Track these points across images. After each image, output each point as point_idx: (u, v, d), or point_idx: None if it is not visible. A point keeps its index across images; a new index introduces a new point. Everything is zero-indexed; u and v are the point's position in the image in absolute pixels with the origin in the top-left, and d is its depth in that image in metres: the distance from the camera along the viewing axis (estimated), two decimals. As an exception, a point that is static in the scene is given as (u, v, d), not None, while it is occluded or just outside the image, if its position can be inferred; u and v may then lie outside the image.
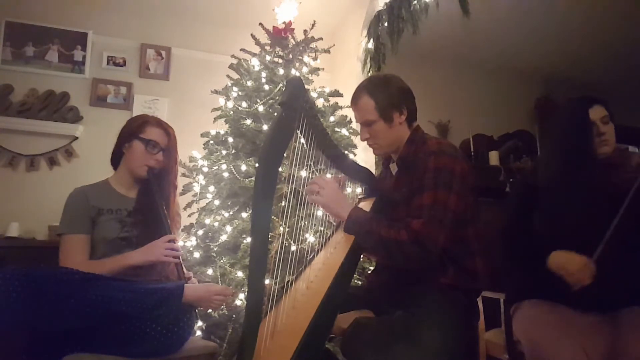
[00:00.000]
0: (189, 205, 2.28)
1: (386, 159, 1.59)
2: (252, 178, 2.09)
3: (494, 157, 4.03)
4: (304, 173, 1.87)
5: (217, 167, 2.27)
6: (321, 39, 2.62)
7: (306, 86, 2.42)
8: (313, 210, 1.74)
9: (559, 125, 1.56)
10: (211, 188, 2.28)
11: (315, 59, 2.64)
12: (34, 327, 1.14)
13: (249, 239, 1.97)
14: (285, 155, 1.08)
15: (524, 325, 1.40)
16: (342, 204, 1.31)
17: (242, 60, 2.56)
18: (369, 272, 1.82)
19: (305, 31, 2.60)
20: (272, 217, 1.91)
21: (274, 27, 2.60)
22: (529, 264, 1.47)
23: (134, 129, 1.60)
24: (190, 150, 2.40)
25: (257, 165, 1.04)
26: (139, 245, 1.48)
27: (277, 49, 2.57)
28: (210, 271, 1.97)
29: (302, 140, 1.25)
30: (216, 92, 2.47)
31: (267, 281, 1.27)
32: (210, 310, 1.80)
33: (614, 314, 1.31)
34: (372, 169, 2.08)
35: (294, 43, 2.59)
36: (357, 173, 1.52)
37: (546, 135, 1.68)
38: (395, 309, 1.25)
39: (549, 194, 1.46)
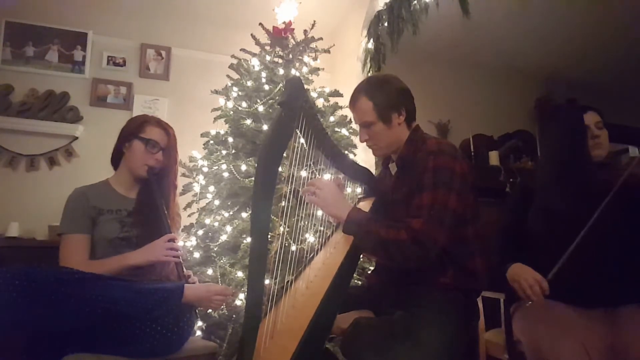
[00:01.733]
0: (189, 205, 2.28)
1: (386, 159, 1.59)
2: (252, 178, 2.09)
3: (494, 157, 4.02)
4: (303, 173, 1.87)
5: (217, 167, 2.27)
6: (321, 39, 2.62)
7: (306, 86, 2.42)
8: (313, 210, 1.74)
9: (555, 128, 1.59)
10: (211, 188, 2.28)
11: (315, 59, 2.64)
12: (34, 327, 1.14)
13: (249, 239, 1.97)
14: (285, 155, 1.08)
15: (523, 324, 1.41)
16: (340, 205, 1.30)
17: (242, 60, 2.56)
18: (369, 272, 1.82)
19: (305, 31, 2.60)
20: (272, 217, 1.91)
21: (274, 27, 2.60)
22: (526, 264, 1.46)
23: (133, 129, 1.60)
24: (190, 150, 2.40)
25: (256, 165, 1.04)
26: (139, 245, 1.49)
27: (277, 49, 2.57)
28: (210, 271, 1.97)
29: (302, 140, 1.25)
30: (216, 92, 2.47)
31: (267, 281, 1.27)
32: (210, 310, 1.80)
33: (614, 311, 1.32)
34: (372, 169, 2.08)
35: (294, 43, 2.59)
36: (357, 173, 1.51)
37: (543, 139, 1.71)
38: (395, 309, 1.25)
39: (546, 194, 1.48)
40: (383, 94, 1.40)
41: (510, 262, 1.44)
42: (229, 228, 2.06)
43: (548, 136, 1.65)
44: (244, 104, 2.35)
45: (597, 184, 1.41)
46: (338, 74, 3.65)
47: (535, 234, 1.50)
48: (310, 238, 1.86)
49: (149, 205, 1.56)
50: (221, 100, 2.43)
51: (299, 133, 1.21)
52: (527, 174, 1.74)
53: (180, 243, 1.57)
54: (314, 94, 2.48)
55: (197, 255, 2.06)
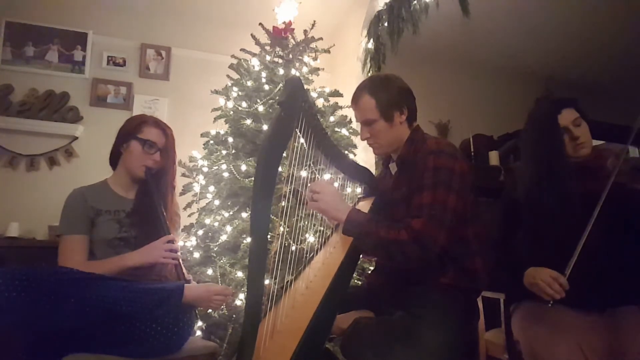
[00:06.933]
0: (189, 205, 2.28)
1: (386, 159, 1.59)
2: (252, 178, 2.09)
3: (494, 157, 4.02)
4: (303, 173, 1.87)
5: (217, 167, 2.27)
6: (321, 39, 2.62)
7: (306, 86, 2.42)
8: (313, 211, 1.74)
9: (530, 136, 1.52)
10: (211, 188, 2.28)
11: (315, 59, 2.64)
12: (34, 327, 1.14)
13: (249, 239, 1.96)
14: (285, 155, 1.08)
15: (521, 325, 1.40)
16: (340, 206, 1.30)
17: (242, 60, 2.56)
18: (369, 272, 1.82)
19: (305, 31, 2.60)
20: (272, 217, 1.91)
21: (274, 27, 2.60)
22: (522, 271, 1.45)
23: (131, 129, 1.60)
24: (190, 150, 2.41)
25: (256, 165, 1.04)
26: (137, 245, 1.48)
27: (277, 49, 2.57)
28: (210, 271, 1.97)
29: (302, 140, 1.25)
30: (216, 92, 2.47)
31: (266, 281, 1.27)
32: (210, 310, 1.80)
33: (611, 313, 1.31)
34: (372, 169, 2.09)
35: (294, 43, 2.59)
36: (357, 173, 1.52)
37: (521, 145, 1.62)
38: (395, 309, 1.25)
39: (528, 206, 1.44)
40: (386, 92, 1.40)
41: (521, 270, 1.37)
42: (229, 228, 2.06)
43: (524, 146, 1.55)
44: (244, 104, 2.35)
45: (582, 191, 1.35)
46: (338, 74, 3.65)
47: (527, 243, 1.46)
48: (310, 238, 1.86)
49: (147, 206, 1.56)
50: (221, 100, 2.43)
51: (298, 133, 1.21)
52: (510, 188, 1.64)
53: (180, 243, 1.56)
54: (314, 94, 2.48)
55: (197, 255, 2.06)
